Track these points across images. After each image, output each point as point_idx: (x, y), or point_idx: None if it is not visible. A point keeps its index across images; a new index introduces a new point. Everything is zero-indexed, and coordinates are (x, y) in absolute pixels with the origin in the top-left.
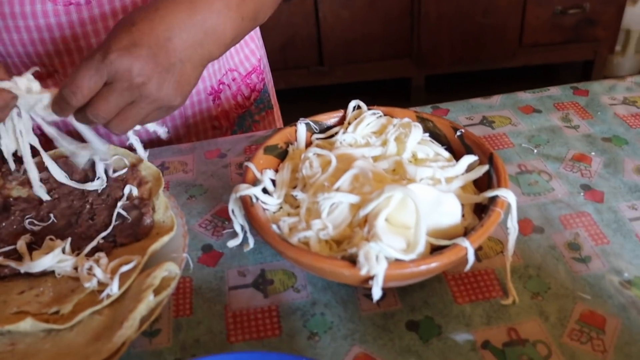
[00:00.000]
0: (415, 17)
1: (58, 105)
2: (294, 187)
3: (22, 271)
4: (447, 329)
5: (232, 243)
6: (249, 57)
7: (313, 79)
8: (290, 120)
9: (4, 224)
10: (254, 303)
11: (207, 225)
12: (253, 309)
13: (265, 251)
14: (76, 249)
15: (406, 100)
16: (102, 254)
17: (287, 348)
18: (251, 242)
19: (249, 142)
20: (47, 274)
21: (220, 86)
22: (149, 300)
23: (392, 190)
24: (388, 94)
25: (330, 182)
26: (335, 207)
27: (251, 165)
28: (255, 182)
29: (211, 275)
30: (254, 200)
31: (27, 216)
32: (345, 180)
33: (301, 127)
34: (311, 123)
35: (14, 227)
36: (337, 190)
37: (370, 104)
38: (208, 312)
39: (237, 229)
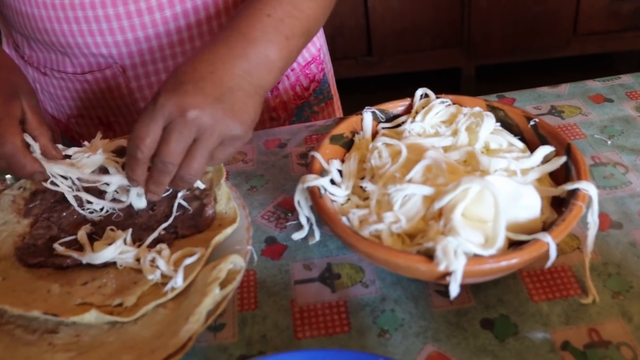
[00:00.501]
0: (465, 5)
1: (129, 164)
2: (362, 178)
3: (84, 262)
4: (524, 328)
5: (297, 236)
6: (307, 47)
7: (361, 70)
8: (342, 111)
9: (64, 214)
10: (321, 298)
11: (270, 217)
12: (320, 304)
13: (331, 244)
14: (137, 240)
15: (456, 91)
16: (163, 246)
17: (357, 345)
18: (317, 234)
19: (309, 132)
20: (109, 264)
21: None
22: (215, 293)
23: (470, 183)
24: (437, 85)
25: (401, 173)
26: (408, 199)
27: (318, 155)
28: (321, 173)
29: (275, 269)
30: (322, 191)
31: (88, 206)
32: (417, 171)
33: (367, 116)
34: (377, 112)
35: (74, 216)
36: (409, 181)
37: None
38: (274, 307)
39: (303, 221)
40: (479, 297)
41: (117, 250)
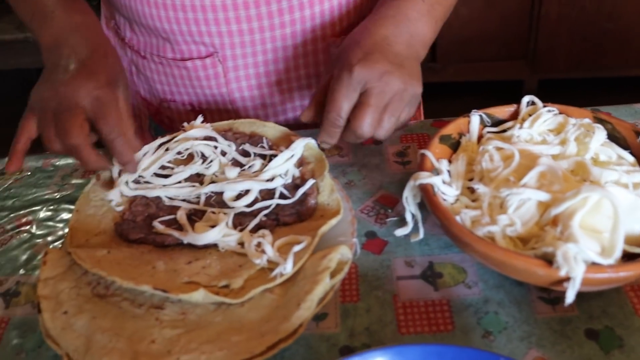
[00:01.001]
0: (534, 17)
1: (327, 133)
2: (469, 180)
3: (186, 242)
4: (629, 341)
5: (401, 232)
6: None
7: (424, 76)
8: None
9: None
10: (423, 295)
11: (369, 211)
12: (423, 301)
13: (433, 243)
14: (237, 224)
15: (516, 103)
16: (266, 232)
17: (462, 345)
18: (421, 232)
19: (404, 132)
20: (210, 246)
21: None
22: (326, 282)
23: (590, 191)
24: (497, 96)
25: (515, 178)
26: (522, 203)
27: (429, 154)
28: (431, 172)
29: (377, 263)
30: (436, 189)
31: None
32: (532, 176)
33: (475, 119)
34: (484, 115)
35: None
36: (524, 186)
37: (480, 105)
38: (376, 301)
39: (408, 217)
40: (583, 307)
41: (220, 232)
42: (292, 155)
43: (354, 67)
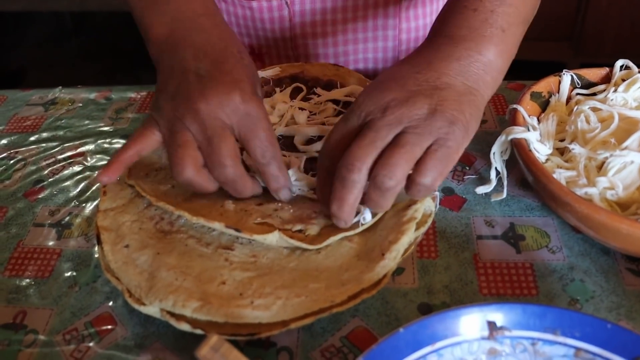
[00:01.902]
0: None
1: (320, 182)
2: (561, 140)
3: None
4: None
5: (483, 189)
6: None
7: None
8: None
9: None
10: (505, 257)
11: None
12: (505, 262)
13: (513, 205)
14: (309, 170)
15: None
16: None
17: None
18: (505, 191)
19: None
20: None
21: None
22: (411, 233)
23: None
24: (535, 77)
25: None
26: (623, 166)
27: (521, 109)
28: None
29: (455, 220)
30: (531, 146)
31: None
32: (634, 140)
33: (566, 79)
34: (574, 76)
35: None
36: (626, 149)
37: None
38: (455, 259)
39: (492, 174)
40: None
41: (293, 176)
42: None
43: (357, 98)
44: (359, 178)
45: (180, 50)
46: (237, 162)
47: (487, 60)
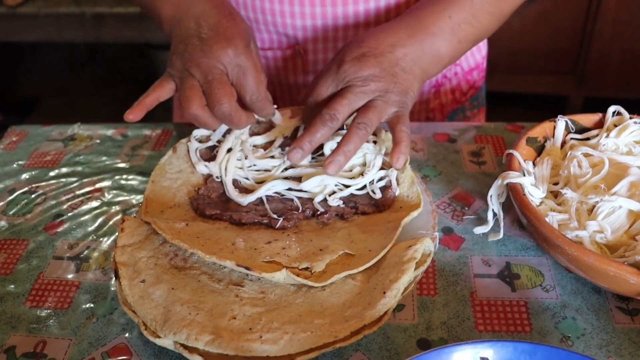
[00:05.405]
0: (587, 34)
1: (305, 114)
2: (554, 184)
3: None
4: None
5: (481, 230)
6: (474, 54)
7: None
8: None
9: None
10: (501, 295)
11: (446, 207)
12: (501, 300)
13: (509, 244)
14: (314, 211)
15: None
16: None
17: None
18: (502, 231)
19: (478, 132)
20: (287, 228)
21: (443, 79)
22: (411, 272)
23: None
24: (540, 110)
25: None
26: (612, 211)
27: (517, 154)
28: (518, 172)
29: (454, 259)
30: (525, 190)
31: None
32: (623, 185)
33: (561, 124)
34: (569, 122)
35: None
36: (615, 194)
37: (522, 118)
38: (454, 296)
39: (490, 216)
40: None
41: (322, 181)
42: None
43: (344, 64)
44: (333, 125)
45: (185, 21)
46: (231, 100)
47: (442, 57)
